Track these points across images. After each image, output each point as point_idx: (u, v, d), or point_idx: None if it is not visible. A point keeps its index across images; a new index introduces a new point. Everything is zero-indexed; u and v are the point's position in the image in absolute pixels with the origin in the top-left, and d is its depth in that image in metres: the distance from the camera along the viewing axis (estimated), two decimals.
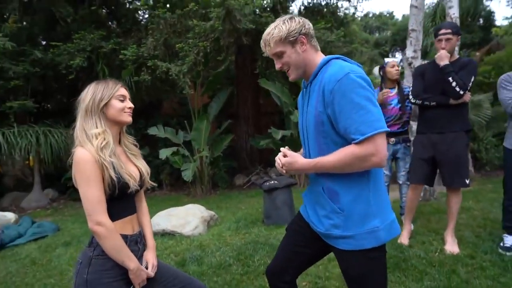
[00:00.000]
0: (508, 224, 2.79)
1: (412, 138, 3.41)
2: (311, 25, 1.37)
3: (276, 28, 1.32)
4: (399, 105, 3.32)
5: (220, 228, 3.91)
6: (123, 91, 1.45)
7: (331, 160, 1.26)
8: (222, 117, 7.09)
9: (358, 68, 1.27)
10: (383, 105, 3.34)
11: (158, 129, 6.25)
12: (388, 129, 1.24)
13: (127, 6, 8.04)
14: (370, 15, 19.35)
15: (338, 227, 1.31)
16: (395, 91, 3.38)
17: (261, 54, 7.08)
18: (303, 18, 1.36)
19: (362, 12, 26.06)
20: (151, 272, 1.47)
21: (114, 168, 1.33)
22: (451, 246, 2.80)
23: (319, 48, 1.41)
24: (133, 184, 1.39)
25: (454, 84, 2.67)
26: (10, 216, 4.73)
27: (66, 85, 7.27)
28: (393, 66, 3.36)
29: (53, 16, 7.08)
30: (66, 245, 3.79)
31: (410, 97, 2.98)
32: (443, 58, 2.75)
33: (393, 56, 15.44)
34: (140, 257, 1.46)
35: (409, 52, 4.01)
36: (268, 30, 1.35)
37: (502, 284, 2.29)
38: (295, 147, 5.86)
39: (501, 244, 2.77)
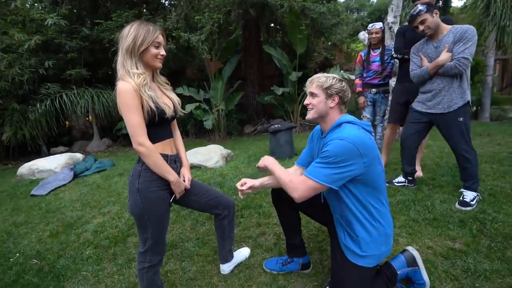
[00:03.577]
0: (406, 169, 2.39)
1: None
2: (349, 96, 1.30)
3: (325, 78, 1.27)
4: (380, 63, 3.06)
5: (236, 163, 3.84)
6: (160, 38, 1.23)
7: (279, 173, 1.27)
8: (233, 79, 6.73)
9: (357, 135, 1.14)
10: (368, 62, 3.12)
11: (183, 89, 5.98)
12: (326, 185, 1.14)
13: None
14: None
15: (355, 246, 1.24)
16: (378, 50, 3.09)
17: (265, 25, 6.64)
18: (348, 87, 1.29)
19: None
20: (187, 184, 1.38)
21: (152, 99, 1.17)
22: (417, 172, 2.68)
23: (344, 111, 1.31)
24: (168, 111, 1.24)
25: None
26: (79, 156, 4.75)
27: (110, 57, 6.98)
28: (372, 33, 3.05)
29: (96, 1, 6.73)
30: (120, 175, 3.78)
31: (393, 52, 2.68)
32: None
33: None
34: (178, 174, 1.35)
35: (390, 18, 3.56)
36: (319, 74, 1.31)
37: (455, 196, 2.23)
38: (293, 102, 5.59)
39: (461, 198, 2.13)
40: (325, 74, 1.29)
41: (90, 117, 7.01)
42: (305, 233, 1.93)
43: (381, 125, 3.31)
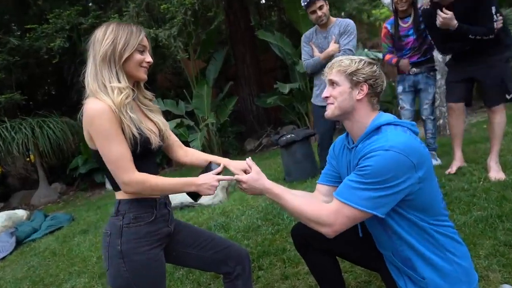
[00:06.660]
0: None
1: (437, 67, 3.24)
2: (383, 85, 1.30)
3: (349, 60, 1.27)
4: (416, 35, 3.08)
5: (240, 193, 3.81)
6: (146, 40, 1.25)
7: (294, 204, 1.23)
8: (222, 81, 6.88)
9: (407, 142, 1.15)
10: (399, 38, 3.15)
11: (158, 102, 6.07)
12: (369, 212, 1.14)
13: None
14: None
15: None
16: (410, 20, 3.12)
17: (254, 3, 6.80)
18: (381, 73, 1.29)
19: None
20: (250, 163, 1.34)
21: (135, 124, 1.19)
22: (496, 173, 2.63)
23: (376, 107, 1.31)
24: (154, 140, 1.25)
25: (478, 37, 2.41)
26: (21, 213, 4.72)
27: (50, 72, 7.16)
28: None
29: None
30: (84, 232, 3.76)
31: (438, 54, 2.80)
32: (447, 22, 2.41)
33: None
34: (170, 221, 1.36)
35: None
36: (342, 57, 1.31)
37: None
38: (305, 100, 5.66)
39: None
40: (350, 56, 1.31)
41: (32, 157, 7.08)
42: (351, 282, 1.87)
43: (431, 117, 3.24)
